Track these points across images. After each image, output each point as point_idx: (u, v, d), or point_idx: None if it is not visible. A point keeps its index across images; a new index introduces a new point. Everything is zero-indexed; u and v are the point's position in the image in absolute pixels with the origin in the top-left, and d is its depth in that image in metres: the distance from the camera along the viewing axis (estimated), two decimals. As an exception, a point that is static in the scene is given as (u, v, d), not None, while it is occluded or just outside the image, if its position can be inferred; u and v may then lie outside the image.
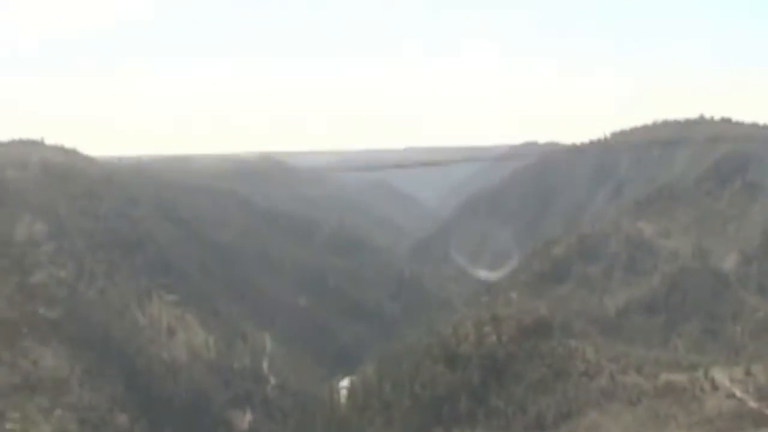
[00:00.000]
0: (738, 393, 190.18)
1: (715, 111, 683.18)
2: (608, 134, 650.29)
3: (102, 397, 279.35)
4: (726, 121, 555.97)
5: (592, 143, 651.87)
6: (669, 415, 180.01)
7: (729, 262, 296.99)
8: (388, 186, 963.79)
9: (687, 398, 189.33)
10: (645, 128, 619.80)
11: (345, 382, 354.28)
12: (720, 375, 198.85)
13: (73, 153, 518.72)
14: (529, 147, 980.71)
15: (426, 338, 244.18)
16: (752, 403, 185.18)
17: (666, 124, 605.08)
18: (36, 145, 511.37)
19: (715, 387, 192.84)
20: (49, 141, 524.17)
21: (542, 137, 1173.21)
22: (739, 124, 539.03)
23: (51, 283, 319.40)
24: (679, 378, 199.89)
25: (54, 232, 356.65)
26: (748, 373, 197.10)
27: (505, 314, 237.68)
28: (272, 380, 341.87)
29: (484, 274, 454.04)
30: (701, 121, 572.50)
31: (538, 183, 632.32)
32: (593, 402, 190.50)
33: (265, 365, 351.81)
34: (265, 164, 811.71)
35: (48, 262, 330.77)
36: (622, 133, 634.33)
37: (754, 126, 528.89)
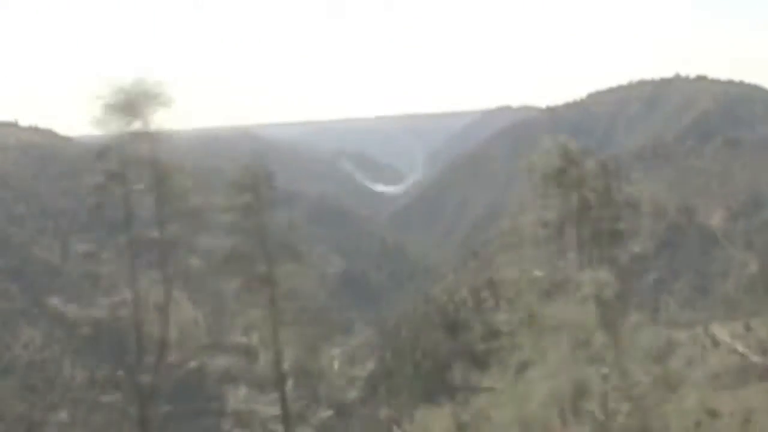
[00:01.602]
0: (740, 348, 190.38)
1: (690, 69, 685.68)
2: (584, 95, 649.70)
3: (94, 377, 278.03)
4: (702, 79, 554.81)
5: (568, 105, 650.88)
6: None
7: (715, 219, 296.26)
8: (364, 155, 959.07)
9: (690, 355, 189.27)
10: (621, 88, 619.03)
11: (336, 351, 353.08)
12: (719, 331, 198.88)
13: (49, 133, 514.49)
14: (503, 111, 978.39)
15: (422, 306, 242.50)
16: (755, 358, 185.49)
17: (642, 84, 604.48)
18: (10, 126, 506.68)
19: (716, 343, 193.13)
20: (23, 122, 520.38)
21: (515, 101, 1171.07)
22: (715, 82, 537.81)
23: (37, 264, 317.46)
24: (680, 335, 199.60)
25: (36, 213, 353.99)
26: (747, 328, 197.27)
27: (500, 278, 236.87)
28: (263, 354, 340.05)
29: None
30: (677, 80, 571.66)
31: (516, 147, 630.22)
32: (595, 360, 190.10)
33: (255, 339, 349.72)
34: (240, 137, 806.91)
35: (32, 244, 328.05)
36: (598, 94, 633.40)
37: (731, 83, 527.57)
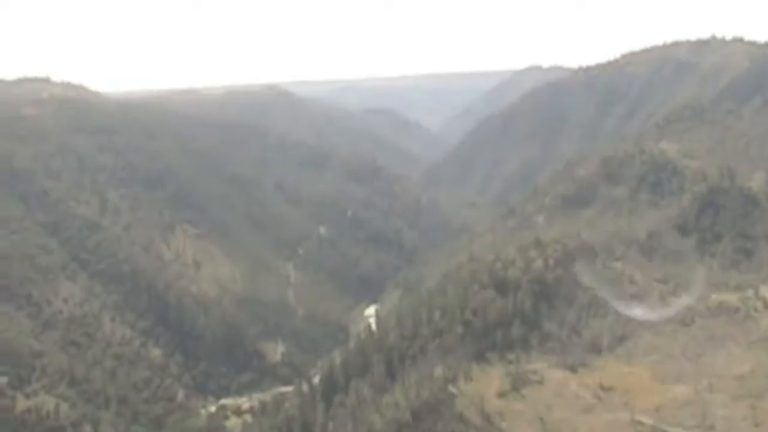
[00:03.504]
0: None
1: (726, 31, 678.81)
2: (618, 56, 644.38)
3: (134, 333, 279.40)
4: (738, 41, 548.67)
5: (601, 66, 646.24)
6: (726, 335, 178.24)
7: (756, 181, 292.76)
8: (392, 113, 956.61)
9: (741, 317, 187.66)
10: (655, 49, 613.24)
11: (371, 310, 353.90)
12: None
13: (81, 89, 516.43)
14: (533, 72, 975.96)
15: (467, 264, 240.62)
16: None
17: (677, 45, 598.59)
18: (43, 82, 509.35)
19: (767, 306, 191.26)
20: (55, 78, 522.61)
21: (545, 62, 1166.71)
22: (752, 44, 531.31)
23: (75, 219, 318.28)
24: (730, 298, 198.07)
25: (74, 168, 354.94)
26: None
27: (549, 238, 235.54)
28: (300, 311, 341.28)
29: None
30: (713, 41, 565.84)
31: (548, 107, 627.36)
32: (647, 324, 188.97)
33: (291, 296, 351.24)
34: (272, 95, 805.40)
35: (70, 199, 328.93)
36: (632, 55, 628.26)
37: (767, 45, 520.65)
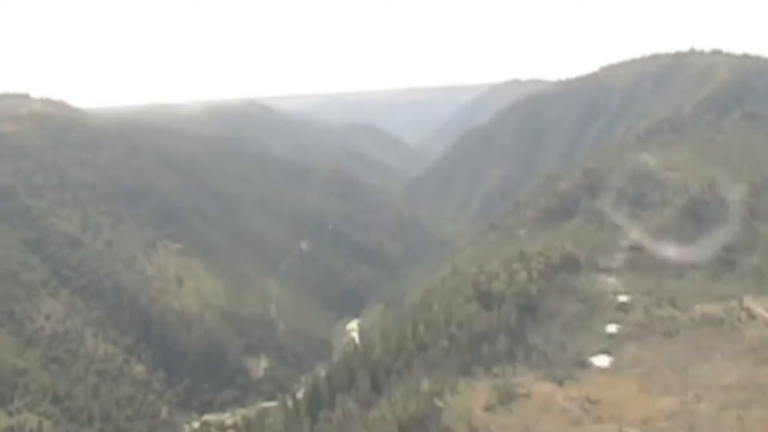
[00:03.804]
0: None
1: (705, 43, 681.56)
2: (597, 69, 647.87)
3: (117, 349, 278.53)
4: (717, 53, 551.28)
5: (581, 78, 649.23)
6: (711, 347, 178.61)
7: (738, 193, 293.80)
8: (372, 128, 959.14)
9: (726, 329, 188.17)
10: (635, 62, 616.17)
11: (353, 325, 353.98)
12: (754, 304, 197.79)
13: (62, 105, 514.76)
14: (512, 85, 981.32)
15: (450, 278, 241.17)
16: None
17: (656, 57, 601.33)
18: (23, 98, 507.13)
19: (752, 316, 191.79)
20: (35, 94, 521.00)
21: (524, 75, 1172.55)
22: (730, 56, 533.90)
23: (57, 236, 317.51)
24: (714, 309, 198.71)
25: (55, 184, 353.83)
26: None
27: (533, 251, 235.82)
28: (282, 326, 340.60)
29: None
30: (692, 54, 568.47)
31: (529, 120, 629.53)
32: (632, 336, 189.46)
33: (273, 311, 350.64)
34: (252, 110, 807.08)
35: (52, 215, 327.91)
36: (612, 67, 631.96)
37: (746, 57, 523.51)
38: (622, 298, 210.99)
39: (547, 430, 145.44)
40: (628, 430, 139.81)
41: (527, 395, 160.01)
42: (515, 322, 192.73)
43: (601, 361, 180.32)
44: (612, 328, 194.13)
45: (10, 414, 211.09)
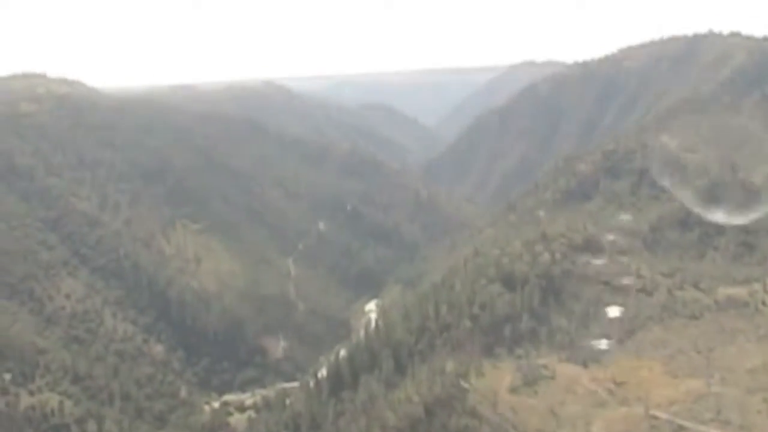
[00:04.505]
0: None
1: (723, 25, 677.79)
2: (615, 51, 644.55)
3: (136, 329, 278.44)
4: (736, 35, 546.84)
5: (599, 60, 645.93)
6: (735, 330, 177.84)
7: (759, 175, 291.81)
8: (389, 108, 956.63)
9: (750, 312, 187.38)
10: (653, 44, 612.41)
11: (371, 305, 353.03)
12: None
13: (79, 84, 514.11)
14: (528, 67, 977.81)
15: (472, 259, 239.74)
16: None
17: (674, 40, 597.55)
18: (40, 77, 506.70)
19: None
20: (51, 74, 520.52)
21: (539, 57, 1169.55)
22: (749, 38, 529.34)
23: (76, 215, 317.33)
24: (738, 292, 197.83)
25: (74, 164, 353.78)
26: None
27: (554, 232, 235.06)
28: (301, 306, 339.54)
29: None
30: (710, 36, 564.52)
31: (546, 102, 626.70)
32: (655, 318, 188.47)
33: (292, 291, 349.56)
34: (269, 90, 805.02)
35: (71, 195, 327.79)
36: (630, 49, 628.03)
37: (765, 40, 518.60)
38: (645, 280, 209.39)
39: (573, 412, 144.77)
40: (656, 413, 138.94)
41: (552, 377, 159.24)
42: (538, 304, 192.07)
43: (625, 342, 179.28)
44: (635, 310, 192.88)
45: (32, 393, 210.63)
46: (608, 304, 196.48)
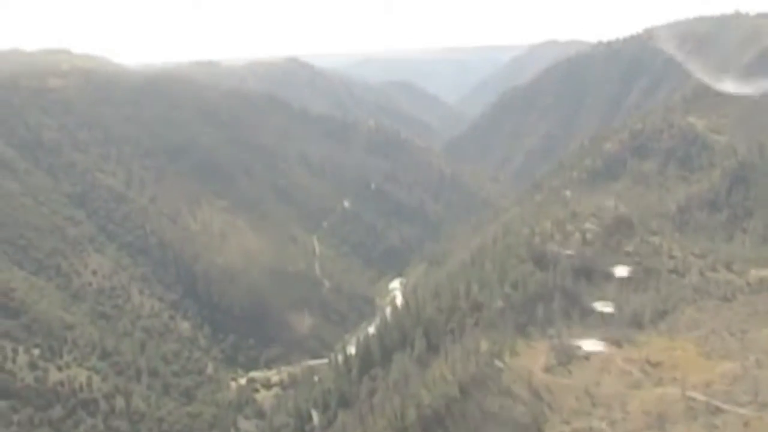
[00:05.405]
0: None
1: (751, 6, 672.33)
2: (641, 30, 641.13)
3: (163, 305, 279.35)
4: (763, 16, 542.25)
5: (624, 39, 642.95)
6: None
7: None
8: (411, 86, 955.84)
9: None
10: (679, 24, 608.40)
11: (396, 284, 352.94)
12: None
13: (103, 60, 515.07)
14: (550, 45, 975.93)
15: (503, 238, 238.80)
16: None
17: (700, 20, 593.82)
18: (64, 53, 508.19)
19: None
20: (76, 50, 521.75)
21: (561, 36, 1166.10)
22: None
23: (102, 191, 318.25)
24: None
25: (100, 139, 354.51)
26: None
27: (585, 212, 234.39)
28: (326, 283, 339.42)
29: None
30: (737, 16, 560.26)
31: (570, 80, 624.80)
32: (688, 299, 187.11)
33: (317, 268, 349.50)
34: (292, 67, 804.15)
35: (97, 170, 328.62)
36: (655, 29, 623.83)
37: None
38: (677, 261, 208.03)
39: (609, 392, 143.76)
40: (692, 394, 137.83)
41: (586, 357, 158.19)
42: (570, 284, 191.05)
43: (659, 323, 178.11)
44: (667, 291, 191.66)
45: (60, 368, 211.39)
46: (640, 285, 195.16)
